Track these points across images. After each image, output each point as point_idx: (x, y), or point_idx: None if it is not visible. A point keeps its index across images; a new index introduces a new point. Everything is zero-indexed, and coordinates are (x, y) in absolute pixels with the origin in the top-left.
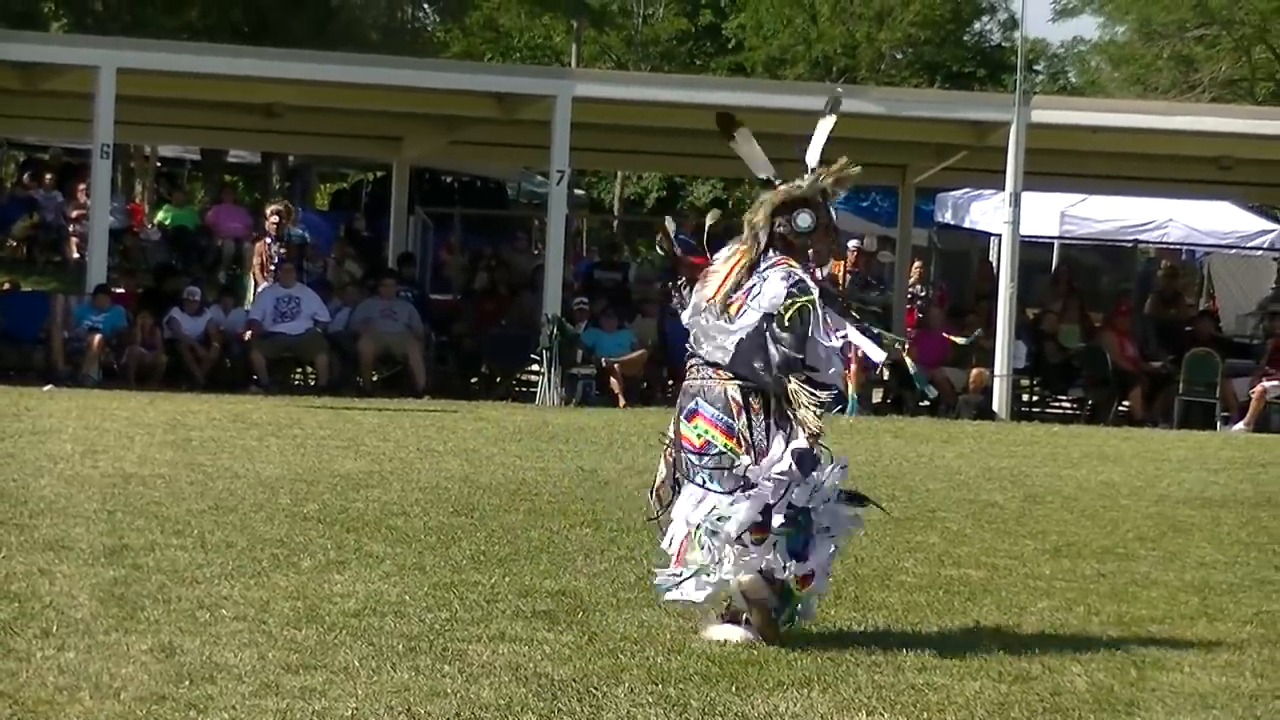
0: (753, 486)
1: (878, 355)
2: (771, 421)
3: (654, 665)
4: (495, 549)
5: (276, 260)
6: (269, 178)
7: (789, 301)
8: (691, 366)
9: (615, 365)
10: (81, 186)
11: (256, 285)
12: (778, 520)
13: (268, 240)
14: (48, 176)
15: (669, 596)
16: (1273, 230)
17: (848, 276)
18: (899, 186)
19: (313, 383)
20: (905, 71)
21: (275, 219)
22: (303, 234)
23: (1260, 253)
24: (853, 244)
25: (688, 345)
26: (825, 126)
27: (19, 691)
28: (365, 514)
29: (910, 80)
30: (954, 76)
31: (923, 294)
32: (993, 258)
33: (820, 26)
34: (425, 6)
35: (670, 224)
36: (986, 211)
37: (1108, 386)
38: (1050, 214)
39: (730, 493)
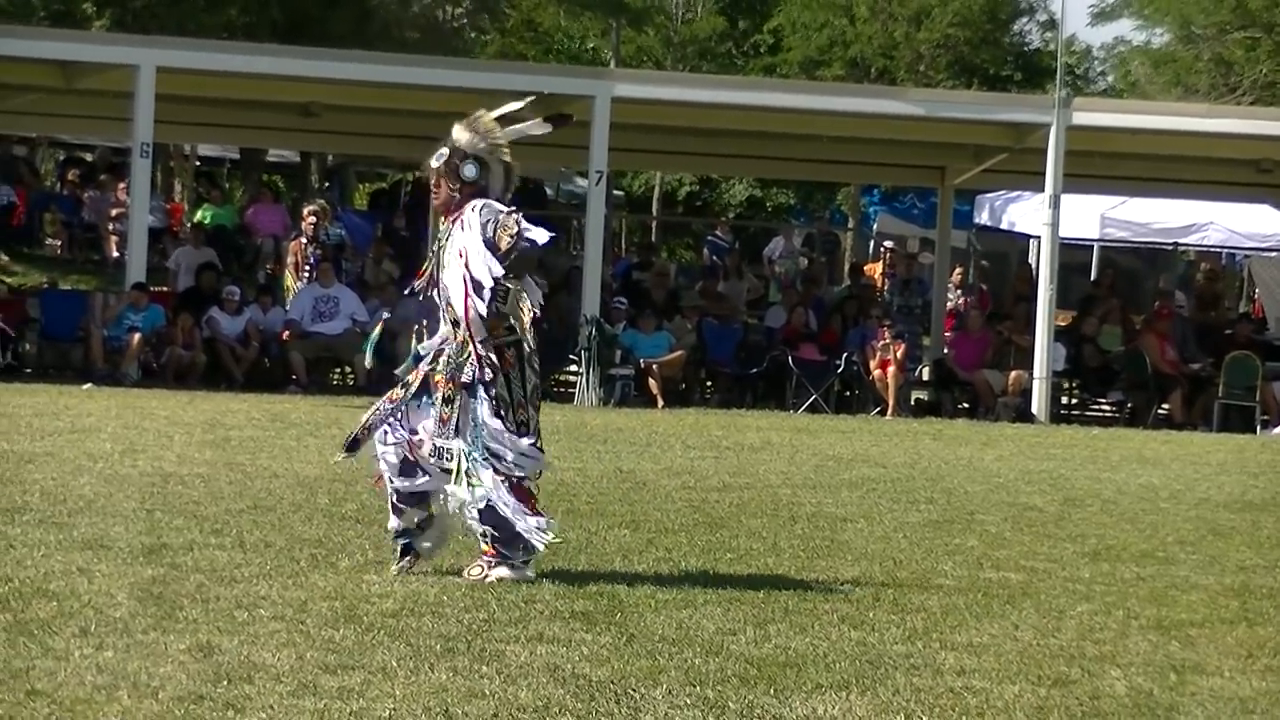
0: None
1: (542, 236)
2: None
3: (692, 667)
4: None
5: (312, 260)
6: (308, 177)
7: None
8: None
9: (654, 366)
10: (121, 185)
11: (292, 285)
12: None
13: (303, 241)
14: (102, 177)
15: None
16: None
17: (884, 279)
18: (938, 188)
19: (351, 382)
20: (942, 74)
21: (312, 220)
22: (341, 234)
23: None
24: (888, 244)
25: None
26: (527, 128)
27: (57, 690)
28: None
29: (947, 83)
30: (991, 80)
31: (961, 298)
32: (1032, 259)
33: (858, 26)
34: (464, 4)
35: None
36: (1026, 213)
37: (1147, 389)
38: (1090, 216)
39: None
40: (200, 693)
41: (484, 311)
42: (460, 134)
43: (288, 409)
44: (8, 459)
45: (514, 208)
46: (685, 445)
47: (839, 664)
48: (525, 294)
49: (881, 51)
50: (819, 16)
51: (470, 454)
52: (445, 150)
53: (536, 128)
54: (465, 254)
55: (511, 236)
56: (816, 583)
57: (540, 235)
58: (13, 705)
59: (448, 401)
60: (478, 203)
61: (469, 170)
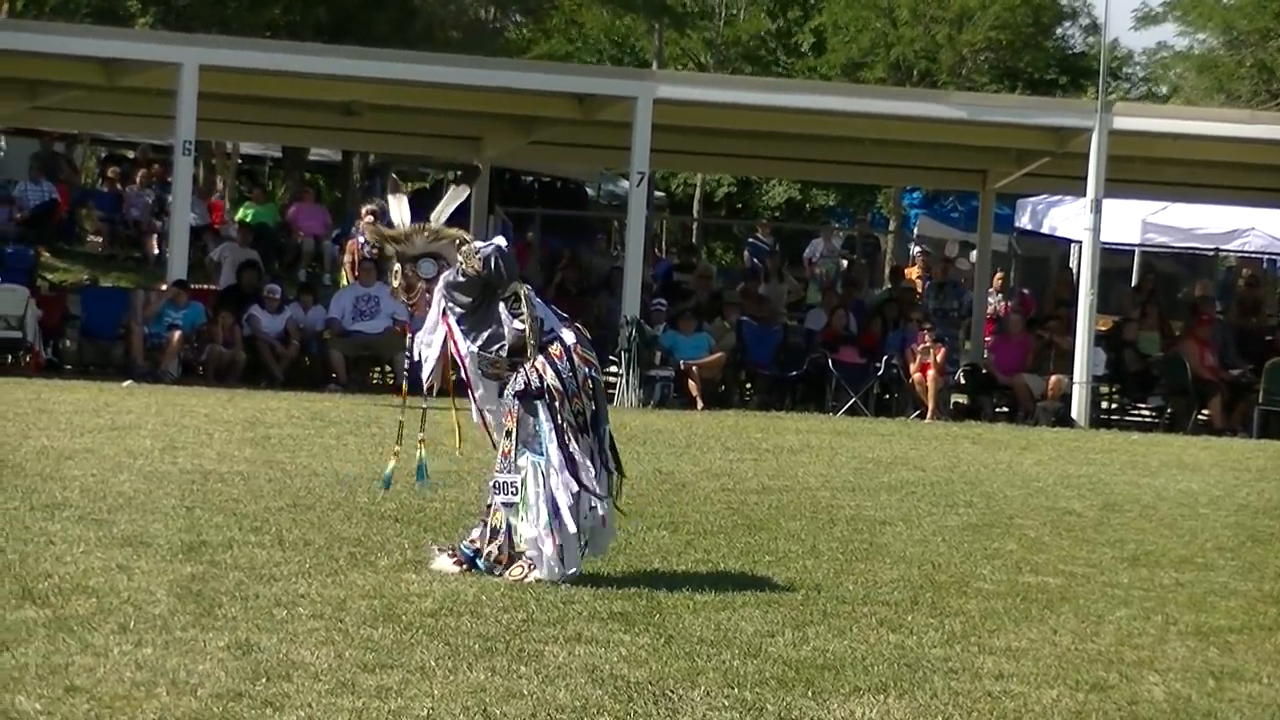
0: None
1: (497, 242)
2: None
3: (730, 669)
4: None
5: (369, 259)
6: (350, 176)
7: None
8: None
9: (693, 367)
10: (141, 173)
11: (349, 284)
12: None
13: (361, 239)
14: (140, 174)
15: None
16: None
17: (921, 282)
18: (979, 191)
19: (391, 382)
20: (985, 77)
21: (370, 219)
22: None
23: None
24: (921, 247)
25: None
26: (457, 196)
27: (96, 687)
28: (442, 513)
29: (990, 86)
30: (1034, 83)
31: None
32: (1073, 264)
33: (900, 29)
34: (510, 7)
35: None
36: (1067, 217)
37: (1187, 395)
38: (1131, 221)
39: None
40: (239, 690)
41: (475, 367)
42: (395, 249)
43: (328, 407)
44: (48, 455)
45: (458, 240)
46: (724, 447)
47: (877, 667)
48: (530, 297)
49: (924, 54)
50: (861, 17)
51: (538, 464)
52: (397, 266)
53: (456, 196)
54: (450, 332)
55: (479, 260)
56: (855, 586)
57: (494, 242)
58: (52, 701)
59: (508, 434)
60: (437, 290)
61: (426, 269)
